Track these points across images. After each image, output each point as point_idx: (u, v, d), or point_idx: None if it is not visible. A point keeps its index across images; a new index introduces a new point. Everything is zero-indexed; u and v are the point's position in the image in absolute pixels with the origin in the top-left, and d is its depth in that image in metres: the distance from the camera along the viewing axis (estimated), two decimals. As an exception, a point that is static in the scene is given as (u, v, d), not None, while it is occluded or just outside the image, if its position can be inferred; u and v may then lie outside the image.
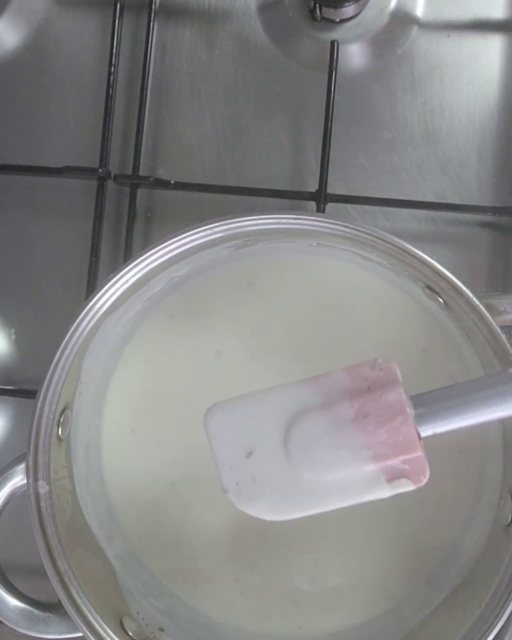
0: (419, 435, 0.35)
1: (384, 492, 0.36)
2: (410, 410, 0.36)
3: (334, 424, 0.36)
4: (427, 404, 0.36)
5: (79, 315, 0.42)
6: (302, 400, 0.37)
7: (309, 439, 0.36)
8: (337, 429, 0.36)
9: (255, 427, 0.37)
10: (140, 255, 0.42)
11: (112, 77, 0.54)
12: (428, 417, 0.35)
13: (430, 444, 0.36)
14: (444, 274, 0.41)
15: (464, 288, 0.40)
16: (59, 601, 0.40)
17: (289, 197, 0.53)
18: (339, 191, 0.54)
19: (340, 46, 0.53)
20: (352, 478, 0.36)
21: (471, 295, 0.40)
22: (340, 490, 0.36)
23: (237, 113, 0.55)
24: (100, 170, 0.53)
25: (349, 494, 0.36)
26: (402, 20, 0.55)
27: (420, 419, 0.36)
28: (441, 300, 0.43)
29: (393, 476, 0.36)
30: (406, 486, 0.36)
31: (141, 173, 0.54)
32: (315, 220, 0.42)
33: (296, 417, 0.37)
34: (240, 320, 0.48)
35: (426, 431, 0.36)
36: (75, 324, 0.42)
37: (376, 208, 0.54)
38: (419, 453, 0.35)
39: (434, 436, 0.36)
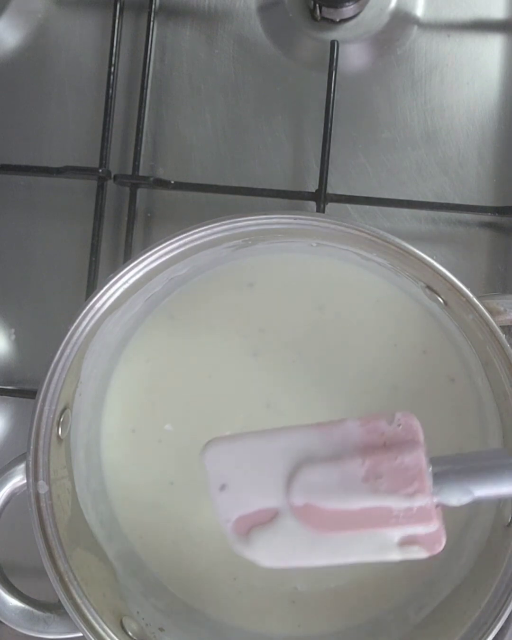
0: (435, 504, 0.32)
1: (394, 555, 0.33)
2: (428, 478, 0.32)
3: (342, 480, 0.33)
4: (448, 469, 0.33)
5: (79, 315, 0.42)
6: (310, 447, 0.34)
7: (312, 490, 0.33)
8: (345, 486, 0.33)
9: (252, 465, 0.34)
10: (140, 255, 0.42)
11: (112, 77, 0.54)
12: (448, 485, 0.32)
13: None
14: (444, 274, 0.41)
15: (464, 288, 0.40)
16: (59, 601, 0.40)
17: (289, 197, 0.53)
18: (339, 191, 0.54)
19: (340, 46, 0.53)
20: (358, 537, 0.33)
21: (471, 295, 0.40)
22: (343, 546, 0.33)
23: (237, 113, 0.55)
24: (100, 170, 0.53)
25: (352, 552, 0.33)
26: (402, 20, 0.55)
27: (439, 485, 0.32)
28: (441, 300, 0.43)
29: (406, 541, 0.32)
30: (418, 553, 0.33)
31: (141, 173, 0.54)
32: (315, 220, 0.42)
33: (301, 464, 0.33)
34: (240, 320, 0.48)
35: (445, 501, 0.32)
36: (75, 324, 0.42)
37: (376, 208, 0.54)
38: (435, 525, 0.32)
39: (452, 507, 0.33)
